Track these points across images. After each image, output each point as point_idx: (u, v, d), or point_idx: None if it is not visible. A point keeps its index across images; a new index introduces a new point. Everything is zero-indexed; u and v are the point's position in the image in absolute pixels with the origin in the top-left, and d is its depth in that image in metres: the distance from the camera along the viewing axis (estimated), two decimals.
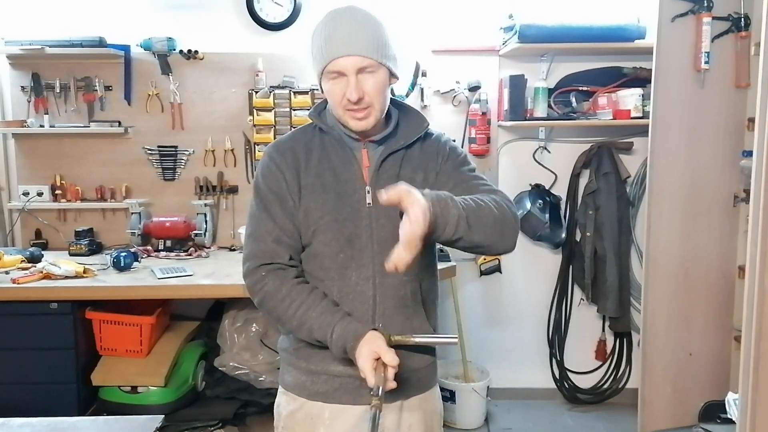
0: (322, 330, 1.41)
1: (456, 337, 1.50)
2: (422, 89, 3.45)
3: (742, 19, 2.94)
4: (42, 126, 3.37)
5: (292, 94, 3.36)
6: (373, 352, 1.34)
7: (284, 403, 1.58)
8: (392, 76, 1.49)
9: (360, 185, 1.49)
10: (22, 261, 3.04)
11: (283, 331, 1.57)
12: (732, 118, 3.03)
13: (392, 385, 1.31)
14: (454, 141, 1.64)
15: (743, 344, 2.11)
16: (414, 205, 1.22)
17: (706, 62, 2.93)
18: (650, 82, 3.03)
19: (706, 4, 2.90)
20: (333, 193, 1.49)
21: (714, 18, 2.93)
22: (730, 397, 2.47)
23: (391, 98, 1.55)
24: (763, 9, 2.01)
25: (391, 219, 1.43)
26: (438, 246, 1.66)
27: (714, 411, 2.72)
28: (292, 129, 1.65)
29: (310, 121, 1.57)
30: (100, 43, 3.28)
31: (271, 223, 1.49)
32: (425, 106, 3.46)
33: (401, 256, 1.22)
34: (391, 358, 1.32)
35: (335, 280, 1.48)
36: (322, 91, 1.49)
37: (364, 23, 1.44)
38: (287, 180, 1.50)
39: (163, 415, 1.66)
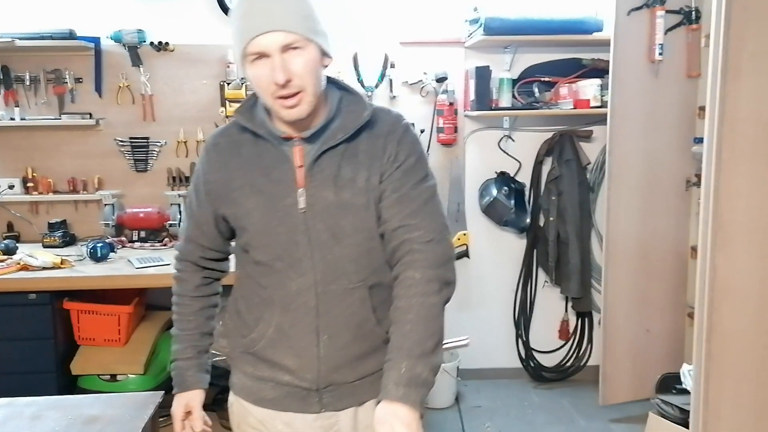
0: (175, 350, 1.54)
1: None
2: (391, 80, 3.53)
3: (693, 12, 3.10)
4: (12, 119, 3.36)
5: (241, 72, 3.39)
6: (188, 406, 1.52)
7: (236, 403, 1.54)
8: (325, 55, 1.32)
9: (292, 187, 1.35)
10: None
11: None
12: (684, 107, 3.19)
13: None
14: (412, 127, 1.44)
15: (696, 317, 2.26)
16: None
17: (660, 53, 3.08)
18: (608, 73, 3.15)
19: None
20: (264, 197, 1.36)
21: (667, 11, 3.07)
22: (685, 368, 2.64)
23: (333, 81, 1.41)
24: (712, 3, 2.14)
25: (328, 224, 1.36)
26: None
27: (670, 383, 2.88)
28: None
29: None
30: (70, 35, 3.27)
31: (188, 221, 1.51)
32: (394, 96, 3.55)
33: None
34: (198, 424, 1.52)
35: (276, 290, 1.39)
36: (248, 80, 1.34)
37: None
38: (211, 184, 1.42)
39: (163, 392, 1.73)
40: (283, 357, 1.42)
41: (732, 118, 2.10)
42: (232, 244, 1.55)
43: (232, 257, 1.58)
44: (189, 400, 1.51)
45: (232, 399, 1.55)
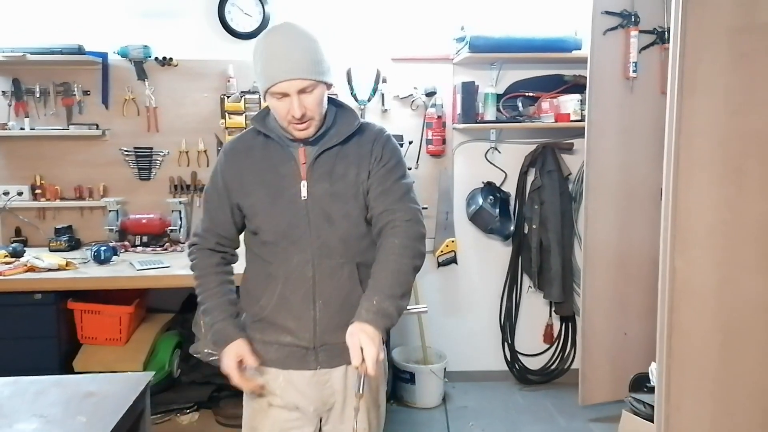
0: (210, 318, 1.75)
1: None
2: (383, 94, 3.71)
3: (666, 32, 3.27)
4: (22, 129, 3.54)
5: (261, 98, 3.58)
6: (238, 354, 1.72)
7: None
8: (329, 86, 1.69)
9: (297, 180, 1.69)
10: (5, 256, 3.21)
11: None
12: (658, 121, 3.26)
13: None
14: (392, 137, 1.79)
15: (658, 317, 2.39)
16: (366, 351, 1.52)
17: (635, 71, 3.25)
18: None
19: (633, 19, 3.22)
20: (272, 189, 1.70)
21: (641, 31, 3.24)
22: (652, 367, 2.78)
23: (331, 99, 1.75)
24: (671, 27, 2.30)
25: (324, 210, 1.69)
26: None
27: (642, 381, 3.02)
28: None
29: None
30: (79, 50, 3.46)
31: (206, 214, 1.83)
32: (386, 110, 3.73)
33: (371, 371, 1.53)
34: (252, 360, 1.72)
35: (280, 264, 1.72)
36: (262, 101, 1.67)
37: (300, 45, 1.60)
38: (228, 179, 1.75)
39: (154, 372, 1.89)
40: (285, 320, 1.73)
41: (688, 132, 2.25)
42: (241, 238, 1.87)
43: (239, 252, 1.89)
44: (238, 348, 1.73)
45: None
